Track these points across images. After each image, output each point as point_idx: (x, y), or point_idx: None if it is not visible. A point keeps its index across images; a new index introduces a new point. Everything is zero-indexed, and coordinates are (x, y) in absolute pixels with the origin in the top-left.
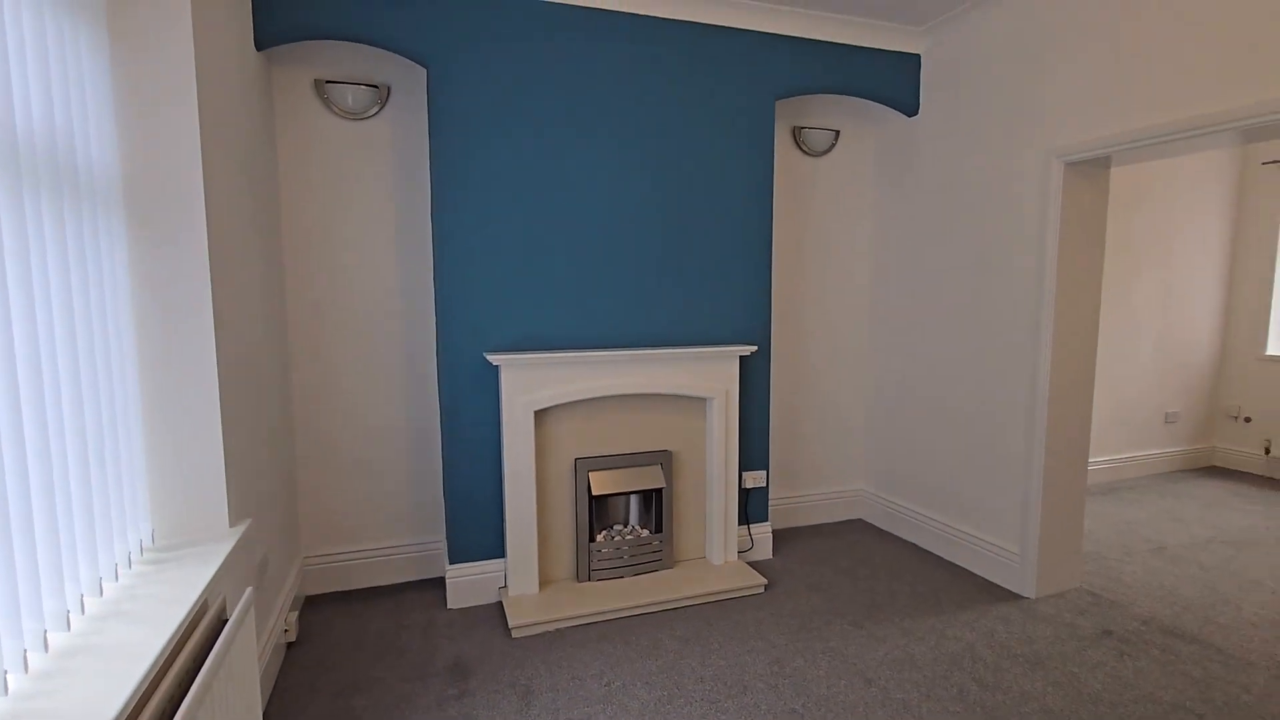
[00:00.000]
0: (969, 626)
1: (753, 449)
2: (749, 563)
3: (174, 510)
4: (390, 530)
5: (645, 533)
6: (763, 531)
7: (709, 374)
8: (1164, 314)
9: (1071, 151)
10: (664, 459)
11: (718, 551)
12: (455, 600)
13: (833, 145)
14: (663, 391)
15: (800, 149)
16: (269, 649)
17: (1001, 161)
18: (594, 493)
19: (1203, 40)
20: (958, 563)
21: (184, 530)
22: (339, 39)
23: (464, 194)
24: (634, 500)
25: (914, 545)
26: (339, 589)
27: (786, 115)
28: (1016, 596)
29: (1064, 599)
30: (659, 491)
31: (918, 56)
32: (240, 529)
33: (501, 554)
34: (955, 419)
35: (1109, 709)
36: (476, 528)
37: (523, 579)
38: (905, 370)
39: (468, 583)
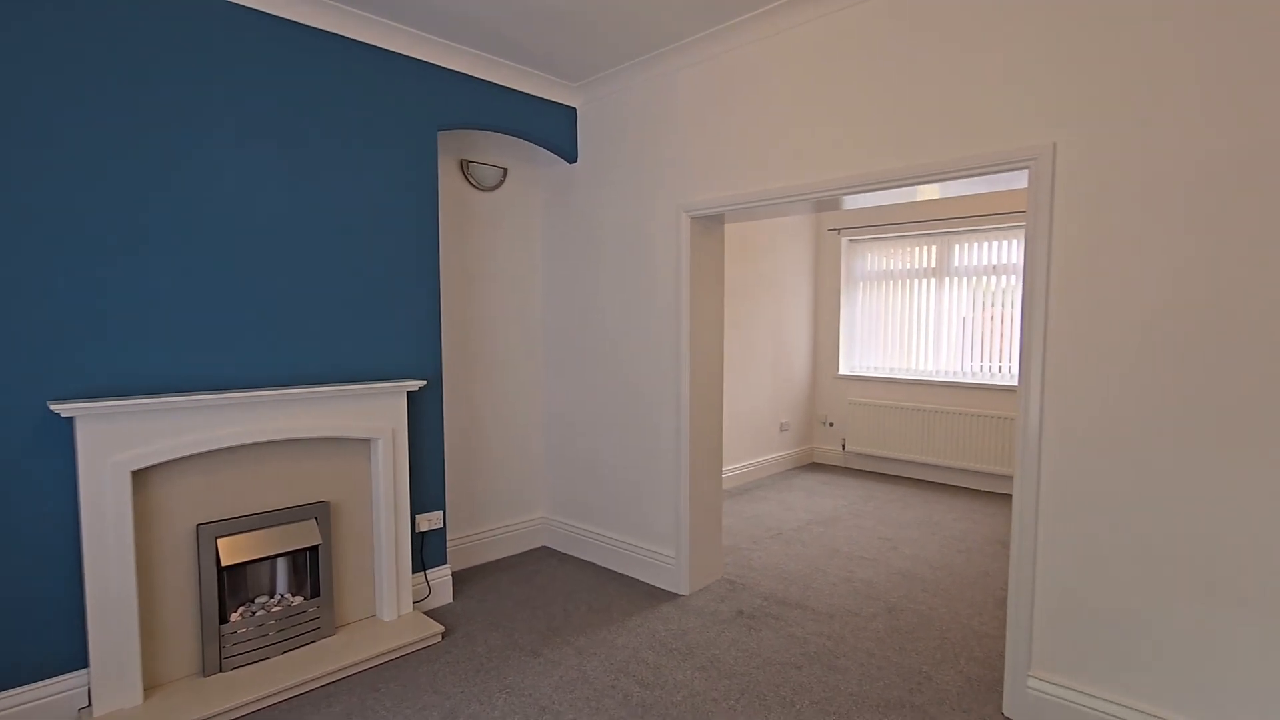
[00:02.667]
0: (635, 632)
1: (427, 489)
2: (426, 612)
3: None
4: None
5: (299, 600)
6: (441, 575)
7: (372, 413)
8: (776, 344)
9: (695, 208)
10: (320, 511)
11: (389, 606)
12: None
13: (502, 182)
14: (316, 435)
15: (470, 182)
16: None
17: (644, 211)
18: (225, 563)
19: (783, 134)
20: (630, 574)
21: None
22: None
23: (11, 186)
24: (282, 564)
25: (593, 564)
26: None
27: (454, 147)
28: (675, 596)
29: (710, 590)
30: (314, 549)
31: (574, 109)
32: None
33: (85, 663)
34: (618, 441)
35: (740, 679)
36: (39, 635)
37: (117, 689)
38: (576, 398)
39: (20, 715)
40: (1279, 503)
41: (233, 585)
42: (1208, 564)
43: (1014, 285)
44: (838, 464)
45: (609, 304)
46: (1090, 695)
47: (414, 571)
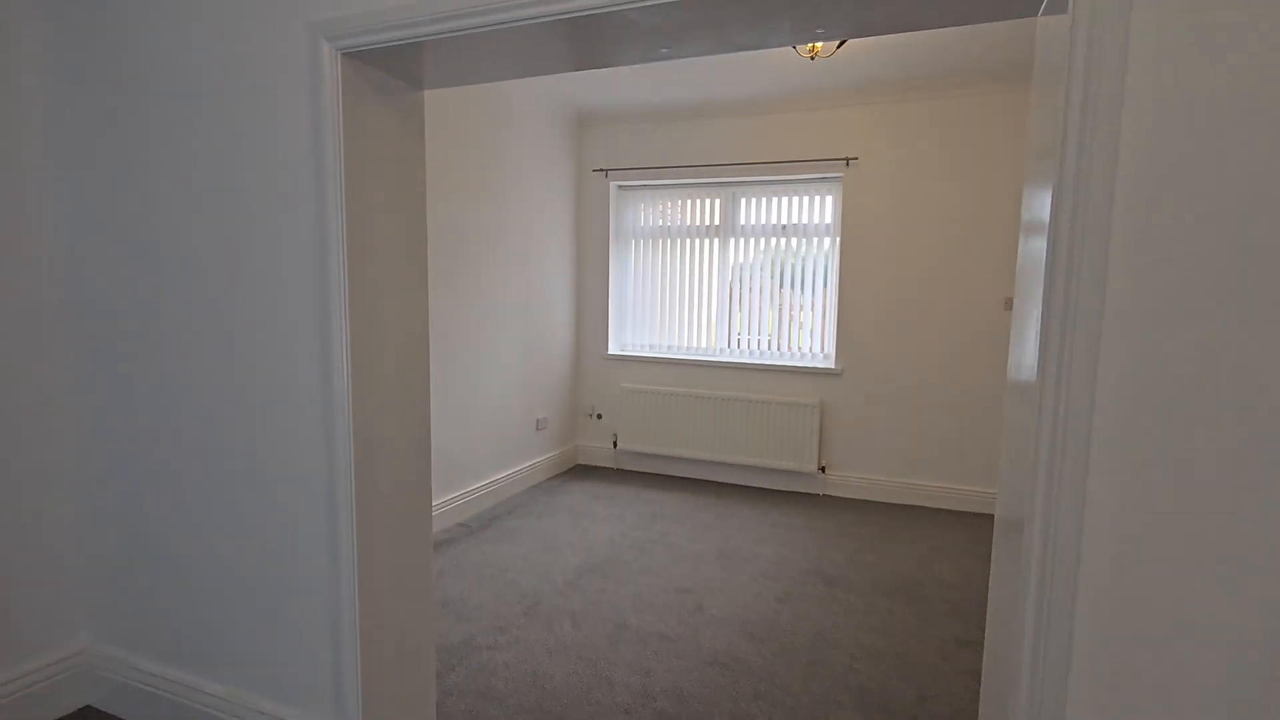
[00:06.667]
0: None
1: None
2: None
3: None
4: None
5: None
6: None
7: None
8: (528, 316)
9: (346, 34)
10: None
11: None
12: None
13: None
14: None
15: None
16: None
17: (246, 44)
18: None
19: None
20: None
21: None
22: None
23: None
24: None
25: None
26: None
27: None
28: None
29: None
30: None
31: None
32: None
33: None
34: (223, 502)
35: None
36: None
37: None
38: (137, 419)
39: None
40: None
41: None
42: None
43: (810, 250)
44: (608, 465)
45: (192, 236)
46: None
47: None
